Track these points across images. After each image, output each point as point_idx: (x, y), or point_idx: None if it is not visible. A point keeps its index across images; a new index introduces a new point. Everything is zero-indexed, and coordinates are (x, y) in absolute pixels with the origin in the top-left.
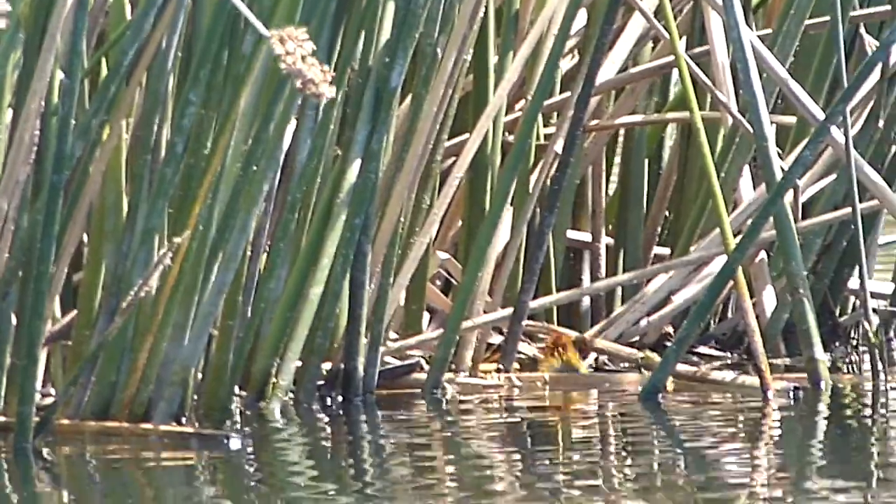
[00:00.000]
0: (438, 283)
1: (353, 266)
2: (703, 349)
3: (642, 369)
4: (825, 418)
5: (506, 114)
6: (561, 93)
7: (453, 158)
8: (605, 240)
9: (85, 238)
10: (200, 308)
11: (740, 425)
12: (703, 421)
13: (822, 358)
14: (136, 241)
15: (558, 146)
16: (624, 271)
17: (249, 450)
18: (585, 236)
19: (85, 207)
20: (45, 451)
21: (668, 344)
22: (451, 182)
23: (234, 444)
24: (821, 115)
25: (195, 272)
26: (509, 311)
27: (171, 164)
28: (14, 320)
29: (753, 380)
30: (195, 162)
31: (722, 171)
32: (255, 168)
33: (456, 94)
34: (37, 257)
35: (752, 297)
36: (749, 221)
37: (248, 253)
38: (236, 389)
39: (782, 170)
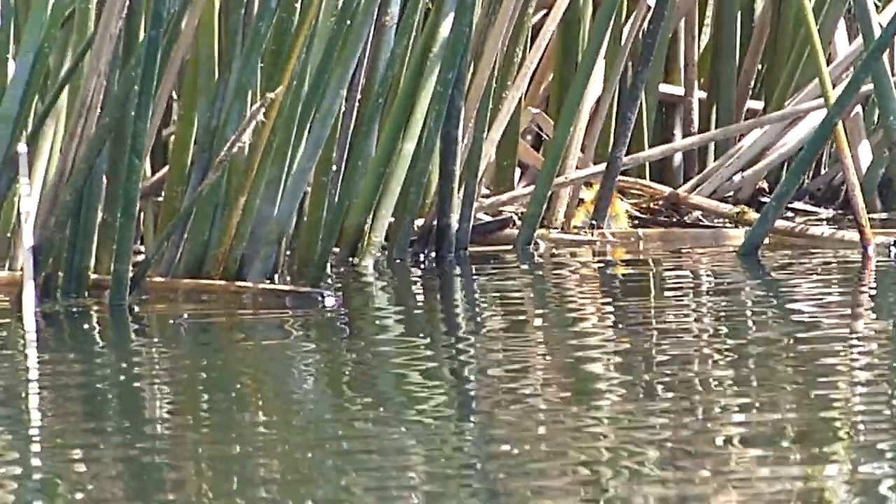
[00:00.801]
0: (529, 138)
1: (445, 121)
2: (797, 204)
3: (739, 225)
4: None
5: None
6: None
7: (544, 11)
8: (698, 94)
9: (173, 94)
10: (295, 165)
11: (841, 280)
12: (803, 276)
13: None
14: (230, 96)
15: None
16: (717, 126)
17: (343, 306)
18: (678, 90)
19: (177, 63)
20: (138, 308)
21: (763, 199)
22: (544, 35)
23: (329, 301)
24: None
25: (289, 128)
26: (602, 166)
27: (265, 19)
28: (104, 179)
29: (853, 235)
30: (288, 16)
31: (817, 24)
32: (348, 22)
33: None
34: (132, 114)
35: None
36: (844, 75)
37: (342, 109)
38: (330, 246)
39: (881, 25)
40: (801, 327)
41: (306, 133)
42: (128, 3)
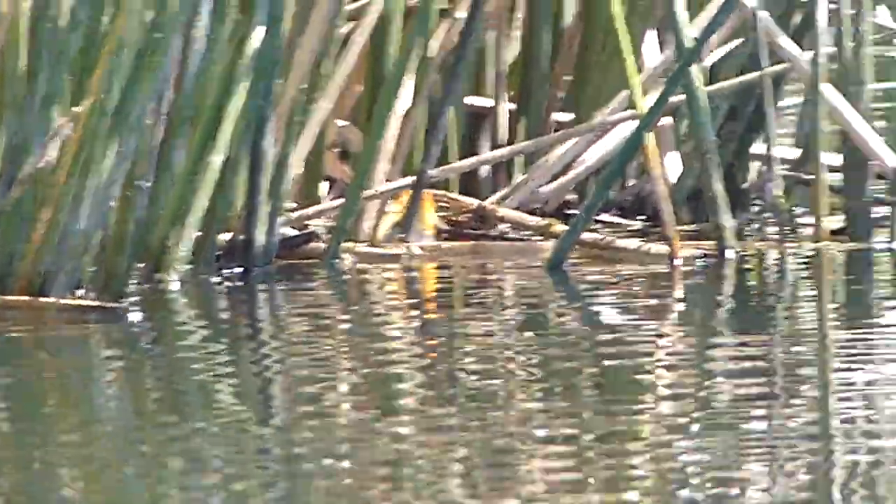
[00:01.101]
0: (336, 151)
1: (254, 134)
2: (605, 216)
3: (546, 237)
4: (733, 285)
5: None
6: None
7: (354, 23)
8: (507, 105)
9: None
10: (101, 178)
11: (649, 292)
12: (610, 288)
13: (729, 224)
14: (37, 109)
15: (461, 11)
16: (526, 138)
17: (148, 321)
18: (487, 102)
19: None
20: None
21: (570, 212)
22: (353, 48)
23: (133, 316)
24: None
25: (96, 141)
26: (410, 179)
27: (73, 31)
28: None
29: (661, 247)
30: (96, 28)
31: (627, 34)
32: (157, 35)
33: None
34: None
35: None
36: (654, 86)
37: (150, 122)
38: (135, 262)
39: (694, 38)
40: (606, 339)
41: (113, 146)
42: None
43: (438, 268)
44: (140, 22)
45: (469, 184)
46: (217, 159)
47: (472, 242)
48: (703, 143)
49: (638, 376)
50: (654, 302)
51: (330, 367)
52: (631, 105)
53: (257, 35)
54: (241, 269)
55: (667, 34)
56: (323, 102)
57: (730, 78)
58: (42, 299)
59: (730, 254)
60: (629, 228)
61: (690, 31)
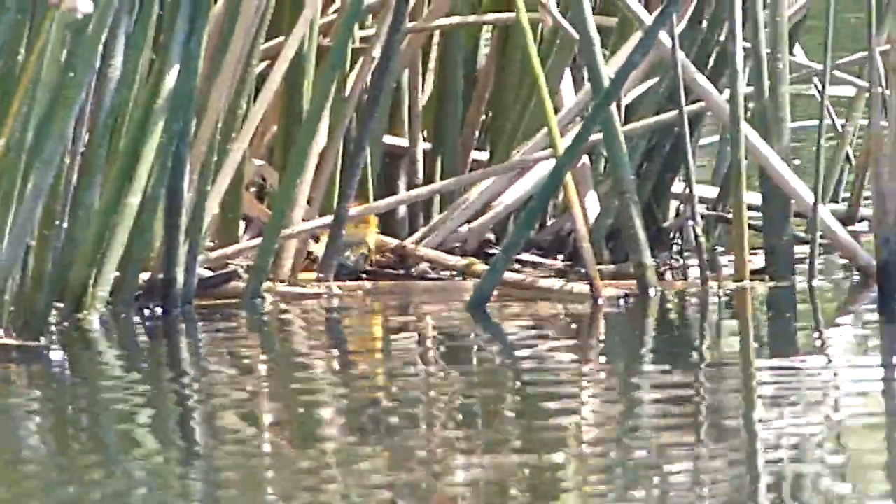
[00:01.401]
0: (253, 190)
1: (170, 173)
2: (525, 256)
3: (467, 277)
4: (655, 325)
5: (321, 15)
6: None
7: (268, 62)
8: (423, 145)
9: None
10: (17, 216)
11: (571, 332)
12: (532, 328)
13: (650, 263)
14: None
15: (377, 50)
16: (442, 177)
17: (68, 360)
18: (403, 141)
19: None
20: None
21: (490, 251)
22: (269, 87)
23: (55, 355)
24: (649, 18)
25: (12, 179)
26: (328, 218)
27: None
28: None
29: (583, 287)
30: (12, 66)
31: (543, 72)
32: (71, 74)
33: None
34: None
35: None
36: (571, 125)
37: (66, 160)
38: (54, 300)
39: (609, 77)
40: (529, 378)
41: (29, 184)
42: None
43: (359, 307)
44: (54, 59)
45: (387, 222)
46: (134, 199)
47: (393, 282)
48: (622, 182)
49: (561, 413)
50: (577, 341)
51: (250, 405)
52: (549, 144)
53: (172, 74)
54: (161, 309)
55: (582, 73)
56: (238, 143)
57: (647, 116)
58: None
59: (652, 292)
60: (550, 268)
61: (607, 70)
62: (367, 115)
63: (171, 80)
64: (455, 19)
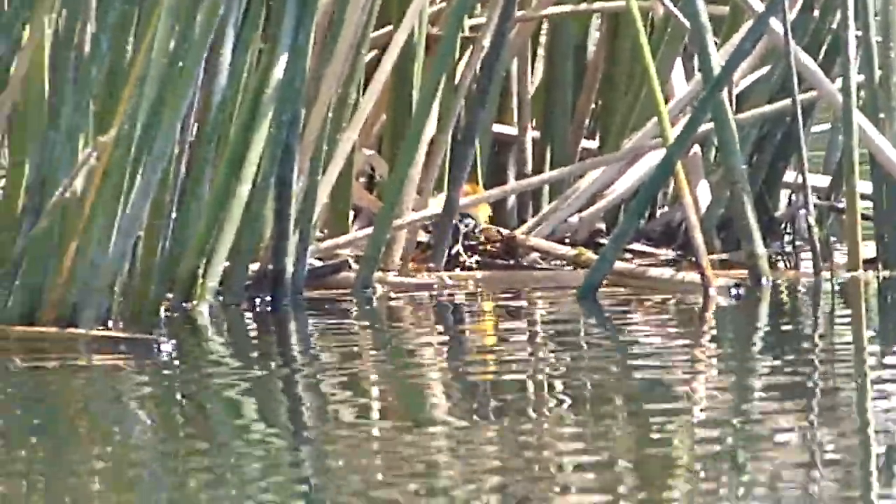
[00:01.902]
0: (362, 180)
1: (280, 164)
2: (635, 245)
3: (577, 267)
4: (768, 314)
5: (430, 4)
6: None
7: (376, 52)
8: (532, 133)
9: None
10: (127, 209)
11: (682, 322)
12: (642, 318)
13: (763, 253)
14: (61, 140)
15: (486, 39)
16: (551, 166)
17: (178, 352)
18: (512, 130)
19: (7, 108)
20: None
21: (600, 241)
22: (378, 77)
23: (164, 347)
24: (760, 6)
25: (121, 172)
26: (439, 208)
27: (96, 61)
28: None
29: (694, 276)
30: (119, 58)
31: (654, 61)
32: (181, 65)
33: None
34: None
35: None
36: (682, 114)
37: (175, 152)
38: (164, 292)
39: (720, 65)
40: (640, 369)
41: (138, 177)
42: None
43: (469, 297)
44: (163, 52)
45: (497, 212)
46: (244, 189)
47: (503, 272)
48: (734, 171)
49: (672, 400)
50: (688, 330)
51: (360, 393)
52: (659, 133)
53: (282, 65)
54: (270, 299)
55: (692, 62)
56: (348, 133)
57: (759, 105)
58: (72, 330)
59: (764, 282)
60: (660, 257)
61: (717, 58)
62: (477, 104)
63: (279, 70)
64: (565, 7)
